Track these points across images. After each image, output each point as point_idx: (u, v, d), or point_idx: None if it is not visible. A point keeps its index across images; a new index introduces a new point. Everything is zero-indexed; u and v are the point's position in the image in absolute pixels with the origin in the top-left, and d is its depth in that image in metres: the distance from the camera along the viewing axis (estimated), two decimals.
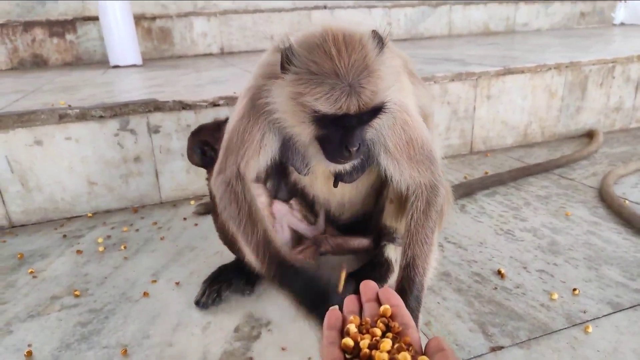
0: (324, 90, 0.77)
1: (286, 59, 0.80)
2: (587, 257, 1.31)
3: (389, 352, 0.54)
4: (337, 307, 0.63)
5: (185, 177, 1.81)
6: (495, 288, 1.19)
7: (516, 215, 1.58)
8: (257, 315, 1.12)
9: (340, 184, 1.07)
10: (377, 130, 0.92)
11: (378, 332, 0.57)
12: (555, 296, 1.13)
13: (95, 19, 3.23)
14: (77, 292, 1.23)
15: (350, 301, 0.65)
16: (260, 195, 1.12)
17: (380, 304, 0.62)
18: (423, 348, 0.56)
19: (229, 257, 1.30)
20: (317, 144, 0.86)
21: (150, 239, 1.53)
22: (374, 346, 0.55)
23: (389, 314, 0.60)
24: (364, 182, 1.13)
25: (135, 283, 1.28)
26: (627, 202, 1.62)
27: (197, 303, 1.16)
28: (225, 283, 1.20)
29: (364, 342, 0.55)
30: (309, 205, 1.24)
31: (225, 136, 1.02)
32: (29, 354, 1.02)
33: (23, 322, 1.13)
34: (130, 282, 1.28)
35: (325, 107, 0.78)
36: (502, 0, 4.36)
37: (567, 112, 2.36)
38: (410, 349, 0.54)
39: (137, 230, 1.59)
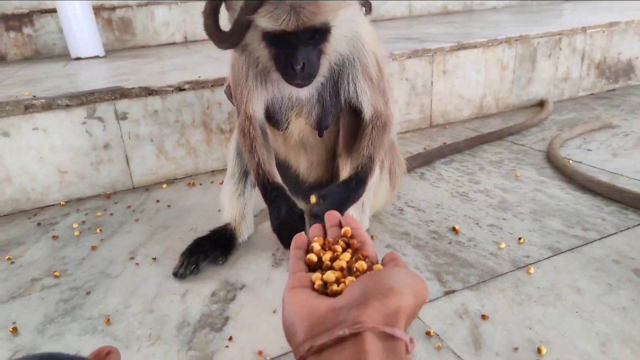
0: (269, 10, 0.88)
1: None
2: (532, 211, 1.44)
3: (347, 262, 0.60)
4: (303, 233, 0.70)
5: (155, 162, 1.86)
6: (450, 242, 1.30)
7: (471, 179, 1.70)
8: (232, 281, 1.20)
9: (308, 142, 1.19)
10: (352, 53, 1.06)
11: (339, 248, 0.64)
12: (503, 245, 1.25)
13: (52, 11, 3.17)
14: (56, 273, 1.28)
15: (315, 228, 0.72)
16: None
17: (342, 228, 0.69)
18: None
19: (203, 232, 1.37)
20: (274, 65, 0.99)
21: (125, 221, 1.58)
22: (335, 259, 0.62)
23: (349, 234, 0.67)
24: (330, 139, 1.23)
25: (113, 261, 1.33)
26: (570, 161, 1.76)
27: (176, 274, 1.22)
28: (203, 254, 1.26)
29: (326, 256, 0.62)
30: (280, 170, 1.32)
31: (231, 83, 1.18)
32: (14, 330, 1.07)
33: (5, 303, 1.18)
34: (108, 261, 1.34)
35: (268, 24, 0.89)
36: None
37: (519, 83, 2.50)
38: (367, 260, 0.61)
39: (111, 214, 1.64)
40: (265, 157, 1.18)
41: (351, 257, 0.62)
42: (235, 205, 1.33)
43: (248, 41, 1.03)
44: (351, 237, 0.67)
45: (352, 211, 1.25)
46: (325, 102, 1.12)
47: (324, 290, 0.57)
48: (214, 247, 1.28)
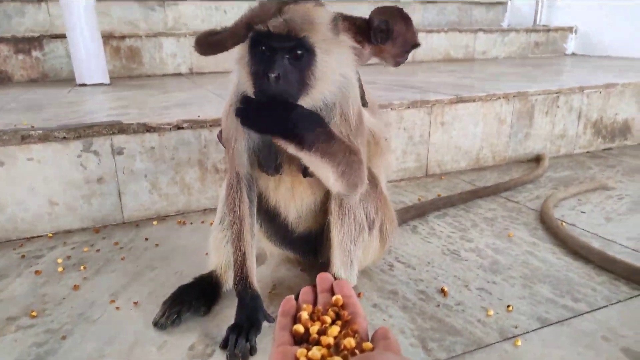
0: None
1: None
2: (523, 275, 1.42)
3: (335, 337, 0.58)
4: (292, 296, 0.67)
5: (148, 198, 1.85)
6: (438, 305, 1.27)
7: (463, 236, 1.69)
8: (213, 334, 1.17)
9: (298, 191, 1.19)
10: (335, 101, 1.05)
11: (328, 319, 0.62)
12: (491, 312, 1.23)
13: (62, 36, 3.23)
14: (34, 313, 1.25)
15: (305, 292, 0.70)
16: None
17: (333, 295, 0.67)
18: (370, 336, 0.61)
19: (188, 277, 1.35)
20: (252, 82, 0.99)
21: (110, 259, 1.55)
22: (322, 332, 0.60)
23: (340, 303, 0.65)
24: (319, 191, 1.22)
25: (94, 303, 1.31)
26: (564, 224, 1.76)
27: (156, 324, 1.19)
28: (186, 304, 1.23)
29: (314, 328, 0.60)
30: (269, 218, 1.31)
31: (223, 133, 1.19)
32: None
33: None
34: (88, 302, 1.31)
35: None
36: (462, 30, 4.60)
37: (516, 138, 2.53)
38: (357, 335, 0.59)
39: (97, 250, 1.62)
40: (251, 246, 1.18)
41: (340, 332, 0.60)
42: (222, 252, 1.31)
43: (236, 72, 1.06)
44: (342, 306, 0.65)
45: (340, 268, 1.24)
46: None
47: None
48: (198, 297, 1.26)
